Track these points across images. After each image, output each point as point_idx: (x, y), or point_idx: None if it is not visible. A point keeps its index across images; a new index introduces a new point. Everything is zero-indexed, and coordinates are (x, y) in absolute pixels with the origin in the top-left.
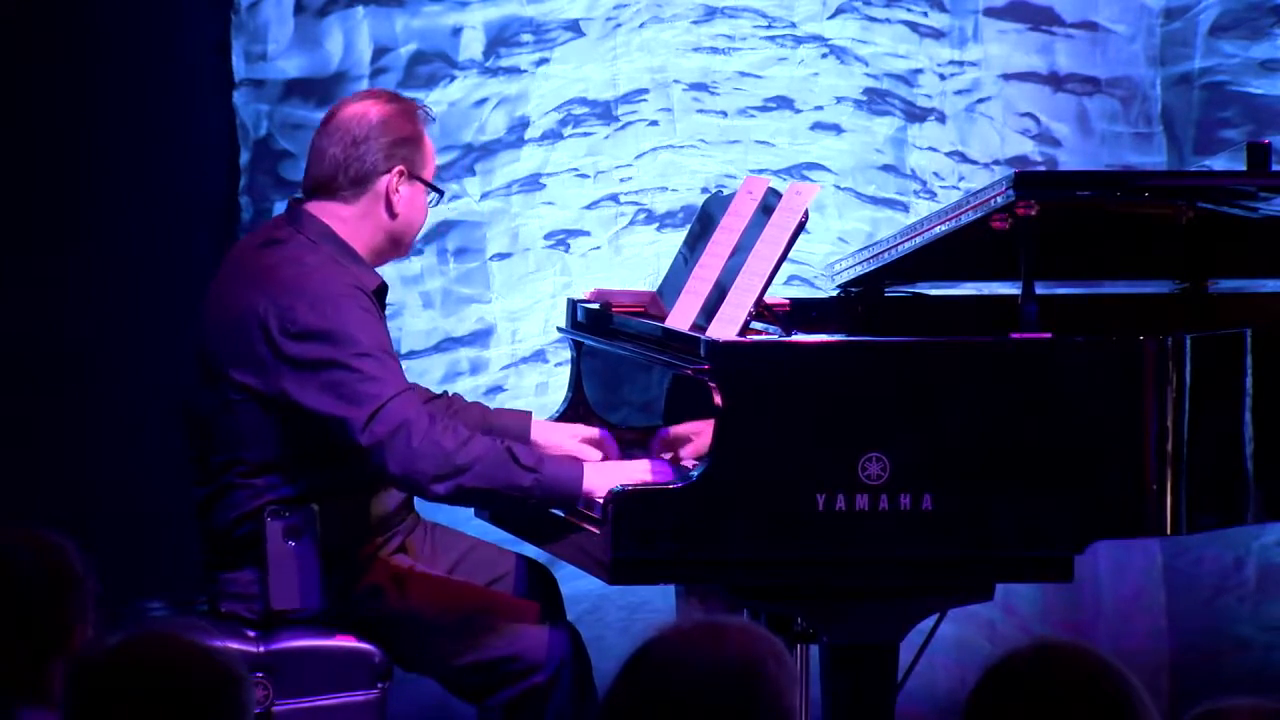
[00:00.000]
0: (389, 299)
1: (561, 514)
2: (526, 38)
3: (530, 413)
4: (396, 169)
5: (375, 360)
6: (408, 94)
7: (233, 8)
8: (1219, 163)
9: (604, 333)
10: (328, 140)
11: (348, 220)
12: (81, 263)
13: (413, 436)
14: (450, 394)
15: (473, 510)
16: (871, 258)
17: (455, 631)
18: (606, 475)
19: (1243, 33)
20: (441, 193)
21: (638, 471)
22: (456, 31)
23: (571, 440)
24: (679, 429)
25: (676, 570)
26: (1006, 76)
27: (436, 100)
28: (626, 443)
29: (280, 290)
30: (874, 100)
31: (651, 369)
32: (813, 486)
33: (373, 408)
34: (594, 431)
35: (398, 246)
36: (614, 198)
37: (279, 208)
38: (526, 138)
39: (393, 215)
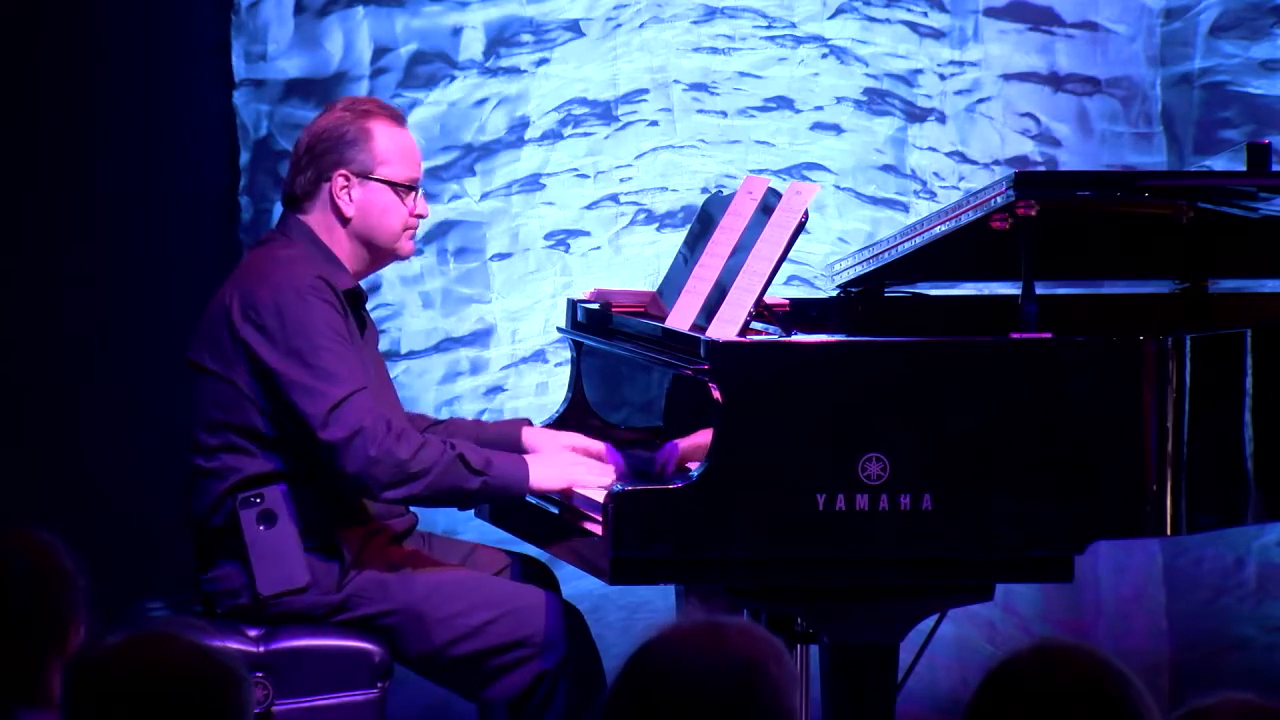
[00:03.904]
0: (390, 299)
1: (560, 513)
2: (526, 38)
3: (524, 421)
4: (338, 174)
5: (333, 354)
6: (408, 94)
7: (233, 8)
8: (1219, 163)
9: (604, 333)
10: (291, 158)
11: (318, 228)
12: (81, 262)
13: (369, 445)
14: (449, 418)
15: (473, 511)
16: (871, 258)
17: (458, 618)
18: (553, 470)
19: (1243, 33)
20: (409, 187)
21: (583, 467)
22: (456, 31)
23: (560, 448)
24: (692, 442)
25: (676, 570)
26: (1006, 76)
27: (436, 100)
28: (626, 443)
29: (246, 278)
30: (874, 100)
31: (651, 369)
32: (813, 487)
33: (330, 403)
34: (592, 443)
35: (373, 248)
36: (614, 198)
37: (279, 208)
38: (526, 138)
39: (344, 220)
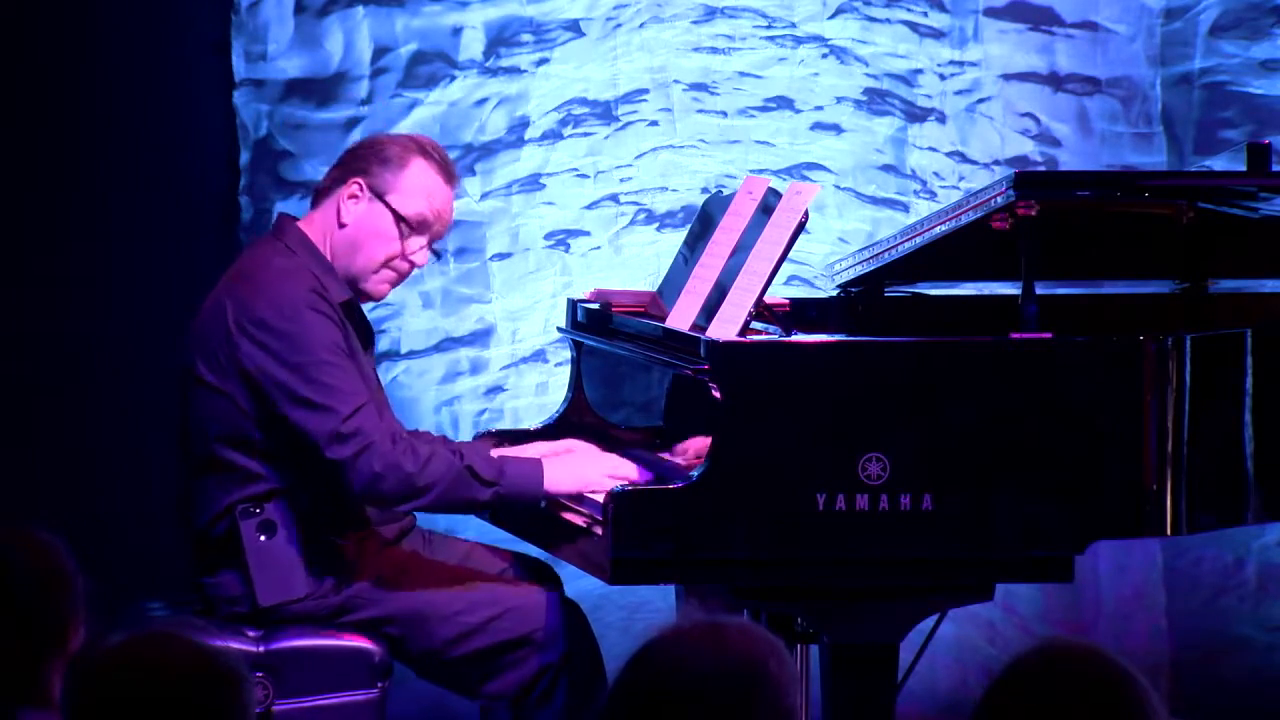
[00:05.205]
0: (390, 299)
1: (560, 514)
2: (526, 38)
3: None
4: (355, 180)
5: (334, 369)
6: (408, 94)
7: (233, 8)
8: (1219, 163)
9: (604, 333)
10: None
11: (315, 226)
12: (82, 263)
13: (375, 460)
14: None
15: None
16: (871, 258)
17: (459, 616)
18: (567, 472)
19: (1243, 33)
20: (413, 227)
21: (600, 466)
22: (456, 31)
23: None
24: (693, 444)
25: (676, 570)
26: (1006, 76)
27: (436, 100)
28: (626, 443)
29: (241, 288)
30: (874, 100)
31: (651, 369)
32: (813, 486)
33: (335, 421)
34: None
35: (350, 267)
36: (614, 198)
37: (279, 208)
38: (526, 138)
39: (340, 224)
